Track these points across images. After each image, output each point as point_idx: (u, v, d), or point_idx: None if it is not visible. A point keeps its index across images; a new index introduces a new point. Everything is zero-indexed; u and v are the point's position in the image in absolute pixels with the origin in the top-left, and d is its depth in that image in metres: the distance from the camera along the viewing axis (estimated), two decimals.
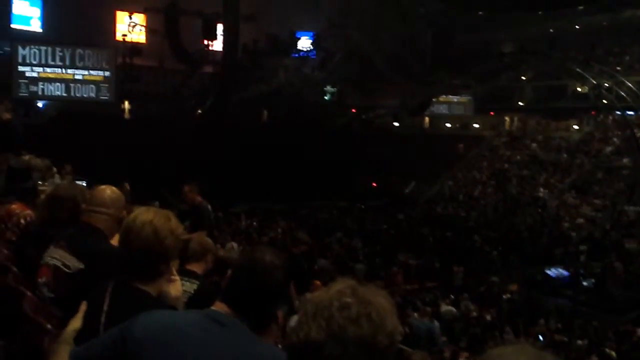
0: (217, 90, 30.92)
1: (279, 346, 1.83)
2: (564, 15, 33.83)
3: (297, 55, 35.51)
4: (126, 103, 29.72)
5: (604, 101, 32.24)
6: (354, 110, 36.72)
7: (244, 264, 1.86)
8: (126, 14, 31.59)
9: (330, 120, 33.72)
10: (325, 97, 36.90)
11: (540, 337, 13.41)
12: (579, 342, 13.13)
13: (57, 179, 7.16)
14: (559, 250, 22.37)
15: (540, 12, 34.77)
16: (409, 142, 33.45)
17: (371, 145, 31.99)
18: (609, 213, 25.80)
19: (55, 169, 7.80)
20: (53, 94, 28.46)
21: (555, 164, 32.29)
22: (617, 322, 15.21)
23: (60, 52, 28.39)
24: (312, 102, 34.59)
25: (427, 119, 40.00)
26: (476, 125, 40.23)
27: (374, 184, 33.94)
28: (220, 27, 31.23)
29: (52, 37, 29.20)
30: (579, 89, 35.21)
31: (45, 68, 28.00)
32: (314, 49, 35.86)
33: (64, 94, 28.65)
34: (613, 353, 12.18)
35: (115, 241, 2.62)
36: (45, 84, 28.09)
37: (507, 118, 39.57)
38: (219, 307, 1.76)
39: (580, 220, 25.63)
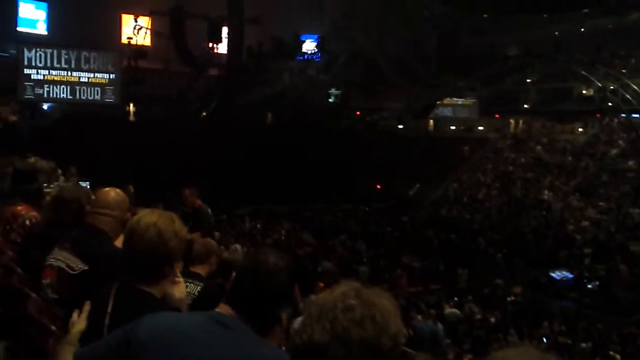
0: (222, 93, 30.94)
1: (283, 348, 1.83)
2: (569, 18, 33.74)
3: (301, 57, 35.51)
4: (131, 105, 29.77)
5: (610, 104, 32.14)
6: (358, 113, 36.68)
7: (248, 266, 1.86)
8: (131, 16, 31.62)
9: (335, 122, 33.70)
10: (330, 100, 36.87)
11: (544, 340, 13.38)
12: (583, 344, 13.10)
13: (62, 181, 7.18)
14: (564, 253, 22.30)
15: (545, 15, 34.72)
16: (413, 145, 33.42)
17: (375, 148, 31.97)
18: (613, 216, 25.71)
19: (60, 171, 7.83)
20: (58, 96, 28.51)
21: (560, 167, 32.20)
22: (622, 325, 15.14)
23: (65, 54, 28.45)
24: (317, 104, 34.56)
25: (431, 121, 39.92)
26: (481, 128, 40.13)
27: (378, 187, 33.92)
28: (225, 30, 31.28)
29: (57, 40, 29.26)
30: (584, 92, 35.09)
31: (50, 71, 28.06)
32: (318, 52, 35.85)
33: (70, 97, 28.70)
34: (617, 356, 12.15)
35: (119, 243, 2.63)
36: (51, 86, 28.14)
37: (512, 120, 39.50)
38: (223, 309, 1.76)
39: (585, 223, 25.54)
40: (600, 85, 31.53)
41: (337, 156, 29.53)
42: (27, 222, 3.80)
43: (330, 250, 20.36)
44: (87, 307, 2.14)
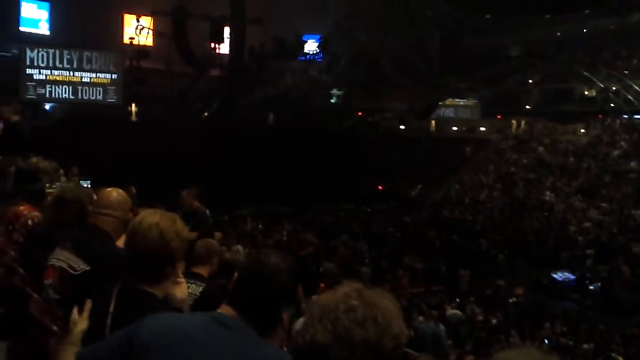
0: (223, 93, 30.96)
1: (285, 349, 1.83)
2: (571, 18, 33.69)
3: (303, 58, 35.50)
4: (133, 106, 29.79)
5: (612, 105, 32.11)
6: (360, 113, 36.67)
7: (250, 266, 1.86)
8: (134, 17, 31.65)
9: (337, 123, 33.69)
10: (332, 100, 36.86)
11: (546, 341, 13.37)
12: (585, 346, 13.09)
13: (63, 182, 7.19)
14: (566, 254, 22.28)
15: (547, 16, 34.68)
16: (415, 146, 33.40)
17: (377, 149, 31.95)
18: (616, 217, 25.67)
19: (62, 171, 7.83)
20: (61, 96, 28.55)
21: (562, 168, 32.17)
22: (624, 326, 15.11)
23: (67, 54, 28.48)
24: (319, 105, 34.55)
25: (433, 122, 39.90)
26: (483, 129, 40.10)
27: (380, 187, 33.91)
28: (227, 30, 31.28)
29: (59, 40, 29.30)
30: (586, 93, 35.08)
31: (53, 71, 28.10)
32: (320, 52, 35.85)
33: (72, 97, 28.73)
34: (620, 357, 12.13)
35: (121, 243, 2.63)
36: (53, 86, 28.17)
37: (514, 121, 39.46)
38: (225, 310, 1.76)
39: (587, 224, 25.50)
40: (602, 86, 31.49)
41: (339, 157, 29.53)
42: (29, 222, 3.80)
43: (332, 250, 20.35)
44: (88, 306, 2.14)
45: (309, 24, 35.43)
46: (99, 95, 29.22)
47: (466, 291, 18.15)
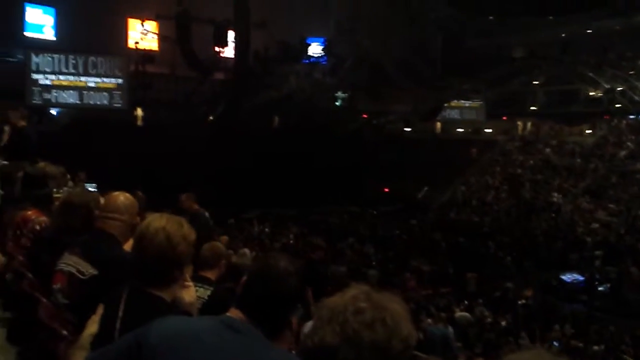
0: (228, 96, 31.02)
1: (293, 352, 1.83)
2: (576, 19, 33.62)
3: (307, 61, 35.52)
4: (139, 110, 29.87)
5: (618, 105, 32.00)
6: (365, 116, 36.66)
7: (259, 270, 1.86)
8: (138, 21, 31.75)
9: (342, 125, 33.69)
10: (337, 103, 36.88)
11: (556, 343, 13.30)
12: (595, 347, 13.03)
13: (70, 187, 7.20)
14: (574, 256, 22.19)
15: (551, 17, 34.61)
16: (420, 147, 33.34)
17: (383, 151, 31.94)
18: (623, 217, 25.57)
19: (69, 176, 7.86)
20: (66, 101, 28.66)
21: (569, 169, 32.06)
22: (634, 327, 15.03)
23: (73, 59, 28.61)
24: (323, 107, 34.56)
25: (438, 124, 39.82)
26: (488, 130, 40.00)
27: (386, 190, 33.85)
28: (231, 34, 31.33)
29: (65, 45, 29.42)
30: (592, 93, 34.98)
31: (58, 76, 28.22)
32: (324, 55, 35.88)
33: (77, 102, 28.85)
34: (630, 359, 12.06)
35: (128, 247, 2.64)
36: (59, 91, 28.30)
37: (519, 123, 39.33)
38: (233, 313, 1.76)
39: (595, 225, 25.41)
40: (608, 86, 31.38)
41: (344, 159, 29.53)
42: (37, 227, 3.81)
43: (339, 253, 20.34)
44: (100, 310, 2.15)
45: (312, 27, 35.47)
46: (105, 99, 29.34)
47: (474, 293, 18.09)
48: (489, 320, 14.60)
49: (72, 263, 2.71)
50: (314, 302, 5.81)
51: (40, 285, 2.99)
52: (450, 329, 11.76)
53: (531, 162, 34.33)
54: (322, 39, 35.98)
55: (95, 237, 2.85)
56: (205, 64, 31.33)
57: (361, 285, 1.37)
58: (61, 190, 5.37)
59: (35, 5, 29.62)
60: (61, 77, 28.32)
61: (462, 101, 39.34)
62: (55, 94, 28.22)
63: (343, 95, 36.62)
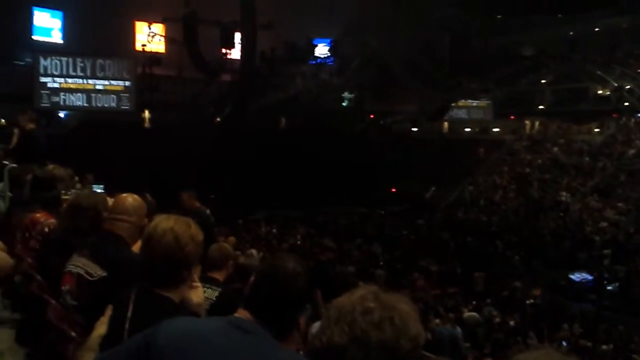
0: (235, 98, 31.09)
1: (301, 353, 1.83)
2: (584, 17, 33.49)
3: (314, 62, 35.58)
4: (146, 112, 29.98)
5: (626, 103, 31.83)
6: (372, 116, 36.66)
7: (267, 271, 1.86)
8: (145, 24, 31.90)
9: (349, 126, 33.70)
10: (343, 103, 36.91)
11: (564, 343, 13.24)
12: (604, 347, 12.96)
13: (78, 188, 7.23)
14: (583, 255, 22.08)
15: (559, 15, 34.49)
16: (428, 147, 33.30)
17: (390, 151, 31.91)
18: (632, 216, 25.43)
19: (77, 178, 7.89)
20: (74, 104, 28.83)
21: (577, 168, 31.91)
22: None
23: (81, 62, 28.77)
24: (330, 108, 34.61)
25: (446, 123, 39.75)
26: (496, 130, 39.89)
27: (394, 190, 33.81)
28: (238, 36, 31.42)
29: (73, 48, 29.60)
30: (600, 92, 34.82)
31: (66, 79, 28.39)
32: (331, 56, 35.92)
33: (85, 104, 29.02)
34: (639, 358, 12.00)
35: (137, 248, 2.64)
36: (67, 94, 28.46)
37: (527, 122, 39.20)
38: (241, 314, 1.76)
39: (604, 224, 25.28)
40: (616, 85, 31.22)
41: (351, 160, 29.52)
42: (46, 229, 3.82)
43: (346, 254, 20.32)
44: (109, 311, 2.16)
45: (319, 28, 35.50)
46: (113, 102, 29.49)
47: (482, 293, 18.03)
48: (497, 320, 14.55)
49: (80, 265, 2.72)
50: (324, 304, 5.81)
51: (48, 287, 3.00)
52: (459, 329, 11.73)
53: (539, 161, 34.19)
54: (328, 40, 36.02)
55: (104, 238, 2.86)
56: (212, 66, 31.44)
57: (369, 286, 1.37)
58: (69, 193, 5.40)
59: (43, 9, 29.83)
60: (69, 80, 28.48)
61: (470, 100, 39.25)
62: (63, 96, 28.39)
63: (350, 95, 36.64)
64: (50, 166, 5.74)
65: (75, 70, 28.65)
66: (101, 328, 2.10)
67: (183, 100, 31.51)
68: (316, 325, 1.43)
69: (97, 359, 1.88)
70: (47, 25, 30.07)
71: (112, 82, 29.53)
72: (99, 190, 9.65)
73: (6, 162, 6.67)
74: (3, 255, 3.61)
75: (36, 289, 3.05)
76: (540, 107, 38.29)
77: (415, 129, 37.65)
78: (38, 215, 4.06)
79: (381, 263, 20.46)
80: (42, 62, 27.91)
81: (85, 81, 28.87)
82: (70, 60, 28.54)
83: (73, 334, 2.44)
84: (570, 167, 32.25)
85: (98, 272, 2.66)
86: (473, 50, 35.80)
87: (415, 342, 1.27)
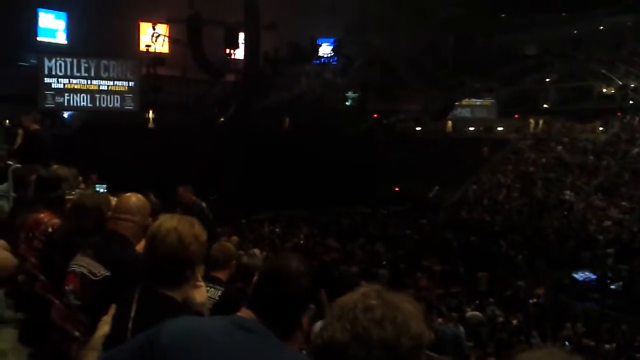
0: (239, 98, 31.11)
1: (304, 352, 1.83)
2: (588, 16, 33.40)
3: (318, 61, 35.57)
4: (150, 112, 30.04)
5: (630, 102, 31.73)
6: (375, 116, 36.64)
7: (270, 270, 1.86)
8: (149, 24, 31.95)
9: (352, 125, 33.69)
10: (347, 103, 36.89)
11: (567, 342, 13.23)
12: (607, 346, 12.94)
13: (82, 188, 7.25)
14: (586, 254, 22.04)
15: (563, 14, 34.40)
16: (431, 146, 33.29)
17: (393, 150, 31.90)
18: (636, 215, 25.36)
19: (81, 178, 7.91)
20: (79, 104, 28.90)
21: (582, 166, 31.84)
22: None
23: (85, 63, 28.84)
24: (334, 108, 34.59)
25: (449, 122, 39.72)
26: (500, 128, 39.82)
27: (397, 189, 33.80)
28: (241, 36, 31.44)
29: (77, 49, 29.67)
30: (604, 90, 34.73)
31: (70, 79, 28.46)
32: (334, 55, 35.89)
33: (90, 105, 29.08)
34: None
35: (140, 248, 2.65)
36: (71, 95, 28.53)
37: (531, 121, 39.13)
38: (244, 313, 1.76)
39: (608, 223, 25.22)
40: (620, 83, 31.13)
41: (355, 159, 29.53)
42: (49, 229, 3.83)
43: (350, 254, 20.32)
44: (112, 310, 2.17)
45: (322, 28, 35.49)
46: (117, 102, 29.55)
47: (485, 292, 18.03)
48: (501, 319, 14.53)
49: (84, 264, 2.72)
50: (328, 303, 5.80)
51: (52, 286, 3.01)
52: (462, 329, 11.71)
53: (543, 160, 34.13)
54: (332, 40, 36.00)
55: (107, 238, 2.86)
56: (216, 66, 31.46)
57: (372, 284, 1.38)
58: (73, 192, 5.41)
59: (48, 10, 29.92)
60: (73, 80, 28.55)
61: (474, 99, 39.18)
62: (67, 97, 28.47)
63: (353, 95, 36.62)
64: (55, 166, 5.76)
65: (79, 71, 28.73)
66: (104, 327, 2.10)
67: (187, 100, 31.56)
68: (318, 324, 1.43)
69: (101, 358, 1.89)
70: (52, 27, 30.16)
71: (116, 82, 29.59)
72: (102, 190, 9.68)
73: (10, 163, 6.69)
74: (7, 255, 3.63)
75: (40, 289, 3.06)
76: (545, 106, 38.22)
77: (419, 129, 37.64)
78: (42, 215, 4.07)
79: (384, 263, 20.45)
80: (47, 63, 27.99)
81: (89, 82, 28.94)
82: (75, 61, 28.61)
83: (76, 333, 2.44)
84: (574, 166, 32.18)
85: (102, 271, 2.66)
86: (477, 50, 35.75)
87: (417, 340, 1.27)
